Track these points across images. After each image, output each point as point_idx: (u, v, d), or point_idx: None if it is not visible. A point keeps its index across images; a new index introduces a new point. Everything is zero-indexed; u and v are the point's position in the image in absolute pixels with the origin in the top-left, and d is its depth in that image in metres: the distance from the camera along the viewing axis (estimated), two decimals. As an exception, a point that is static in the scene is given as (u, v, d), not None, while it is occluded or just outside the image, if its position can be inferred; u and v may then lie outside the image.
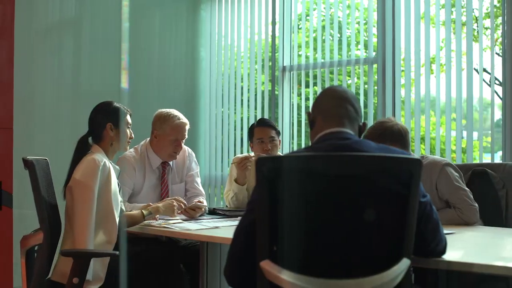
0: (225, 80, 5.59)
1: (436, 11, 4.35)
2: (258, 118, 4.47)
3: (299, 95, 5.43)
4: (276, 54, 5.26)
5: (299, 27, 5.69)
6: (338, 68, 4.83)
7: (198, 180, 3.55)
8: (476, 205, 2.84)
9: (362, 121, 2.01)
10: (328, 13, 5.68)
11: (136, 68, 5.14)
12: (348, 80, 5.21)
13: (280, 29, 5.20)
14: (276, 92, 5.24)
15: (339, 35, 4.95)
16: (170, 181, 3.43)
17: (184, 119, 3.39)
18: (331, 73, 5.11)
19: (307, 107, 5.33)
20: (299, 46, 5.31)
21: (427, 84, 4.30)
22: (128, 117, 2.88)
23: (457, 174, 2.92)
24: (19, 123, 3.74)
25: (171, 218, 3.03)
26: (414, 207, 1.71)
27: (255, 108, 5.36)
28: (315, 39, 5.03)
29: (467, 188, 2.89)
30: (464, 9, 4.36)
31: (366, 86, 4.68)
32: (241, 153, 5.30)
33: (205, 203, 3.32)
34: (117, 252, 2.59)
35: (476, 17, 5.09)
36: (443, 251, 1.92)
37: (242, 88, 5.46)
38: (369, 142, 1.92)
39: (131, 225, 2.83)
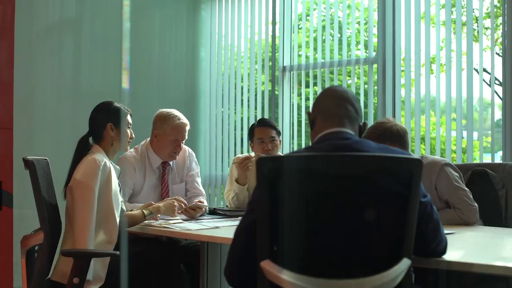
0: (225, 80, 5.59)
1: (436, 11, 4.35)
2: (258, 118, 4.47)
3: (299, 95, 5.43)
4: (276, 54, 5.26)
5: (299, 27, 5.68)
6: (338, 68, 4.83)
7: (199, 180, 3.55)
8: (476, 205, 2.84)
9: (362, 121, 2.01)
10: (328, 13, 5.68)
11: (136, 68, 5.14)
12: (348, 80, 5.21)
13: (280, 29, 5.20)
14: (276, 92, 5.24)
15: (339, 35, 4.95)
16: (171, 181, 3.43)
17: (184, 119, 3.39)
18: (331, 73, 5.10)
19: (307, 107, 5.33)
20: (299, 46, 5.31)
21: (427, 84, 4.30)
22: (129, 117, 2.88)
23: (456, 174, 2.92)
24: (19, 123, 3.74)
25: (172, 218, 3.03)
26: (415, 207, 1.71)
27: (255, 108, 5.36)
28: (315, 39, 5.02)
29: (466, 188, 2.89)
30: (464, 9, 4.35)
31: (366, 86, 4.68)
32: (241, 153, 5.31)
33: (205, 203, 3.32)
34: (118, 252, 2.59)
35: (476, 17, 5.10)
36: (444, 251, 1.92)
37: (242, 88, 5.46)
38: (369, 142, 1.91)
39: (132, 225, 2.82)
